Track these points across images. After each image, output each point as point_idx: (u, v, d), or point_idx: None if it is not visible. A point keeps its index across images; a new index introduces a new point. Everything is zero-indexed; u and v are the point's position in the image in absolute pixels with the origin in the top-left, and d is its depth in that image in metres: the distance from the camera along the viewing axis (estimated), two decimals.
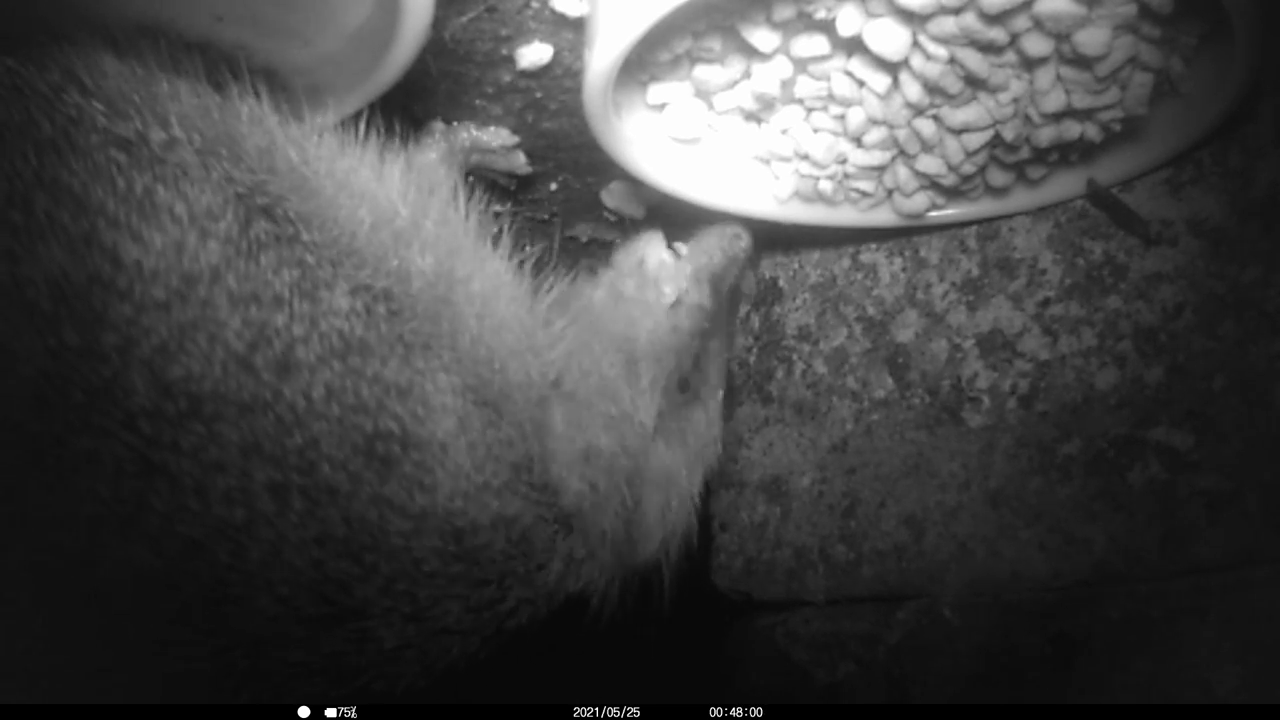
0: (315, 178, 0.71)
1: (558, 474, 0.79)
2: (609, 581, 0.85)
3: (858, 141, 0.79)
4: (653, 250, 0.90)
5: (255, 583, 0.65)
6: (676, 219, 0.93)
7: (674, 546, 0.90)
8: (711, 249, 0.89)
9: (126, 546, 0.63)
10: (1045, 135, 0.76)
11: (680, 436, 0.90)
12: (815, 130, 0.80)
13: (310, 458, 0.65)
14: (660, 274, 0.89)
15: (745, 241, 0.90)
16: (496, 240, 0.81)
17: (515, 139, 0.90)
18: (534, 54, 0.83)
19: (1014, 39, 0.69)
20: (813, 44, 0.73)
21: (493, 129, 0.89)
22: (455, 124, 0.88)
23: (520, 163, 0.91)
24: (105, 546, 0.63)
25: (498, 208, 0.96)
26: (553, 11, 0.80)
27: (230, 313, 0.65)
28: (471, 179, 0.87)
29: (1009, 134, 0.76)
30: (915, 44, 0.70)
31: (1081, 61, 0.70)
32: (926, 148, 0.78)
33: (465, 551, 0.72)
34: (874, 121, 0.77)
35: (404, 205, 0.75)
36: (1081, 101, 0.73)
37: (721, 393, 0.94)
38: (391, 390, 0.68)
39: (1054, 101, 0.73)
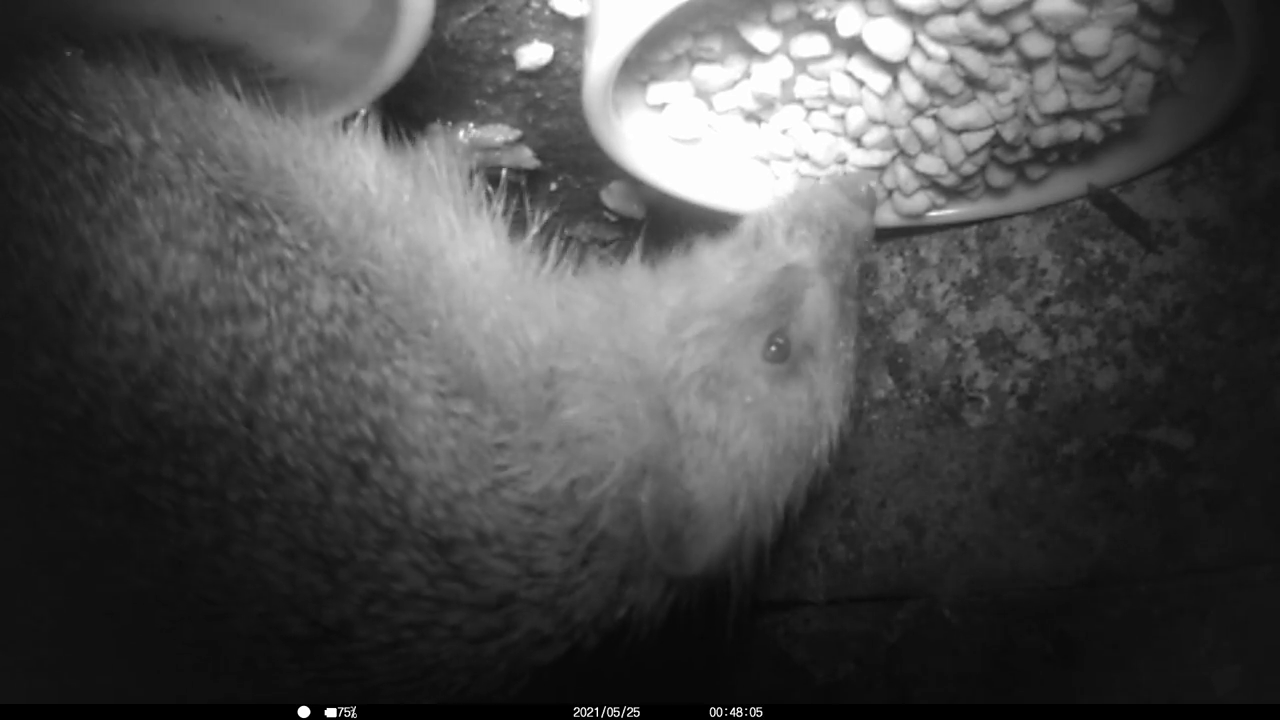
0: (291, 168, 0.70)
1: (546, 470, 0.69)
2: (656, 607, 0.73)
3: (858, 141, 0.79)
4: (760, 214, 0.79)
5: (235, 599, 0.64)
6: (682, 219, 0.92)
7: (747, 557, 0.74)
8: (820, 190, 0.78)
9: (120, 568, 0.63)
10: (1045, 135, 0.76)
11: (767, 419, 0.73)
12: (815, 130, 0.80)
13: (279, 472, 0.64)
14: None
15: (865, 186, 0.78)
16: (486, 216, 0.76)
17: (517, 132, 0.89)
18: (534, 54, 0.83)
19: (1014, 39, 0.69)
20: (813, 44, 0.73)
21: (493, 126, 0.89)
22: (455, 123, 0.88)
23: (526, 156, 0.91)
24: (101, 570, 0.64)
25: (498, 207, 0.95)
26: (553, 11, 0.80)
27: (206, 331, 0.63)
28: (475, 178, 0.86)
29: (1009, 134, 0.76)
30: (915, 44, 0.70)
31: (1081, 61, 0.70)
32: (926, 148, 0.78)
33: (454, 569, 0.67)
34: (874, 121, 0.77)
35: (375, 185, 0.72)
36: (1081, 101, 0.73)
37: (836, 370, 0.76)
38: (367, 394, 0.66)
39: (1054, 101, 0.73)
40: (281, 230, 0.68)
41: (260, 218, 0.68)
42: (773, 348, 0.74)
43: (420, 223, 0.73)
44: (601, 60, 0.69)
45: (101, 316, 0.62)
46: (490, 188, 0.78)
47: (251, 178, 0.69)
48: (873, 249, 0.85)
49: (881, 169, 0.82)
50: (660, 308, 0.75)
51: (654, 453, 0.71)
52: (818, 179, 0.83)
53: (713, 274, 0.76)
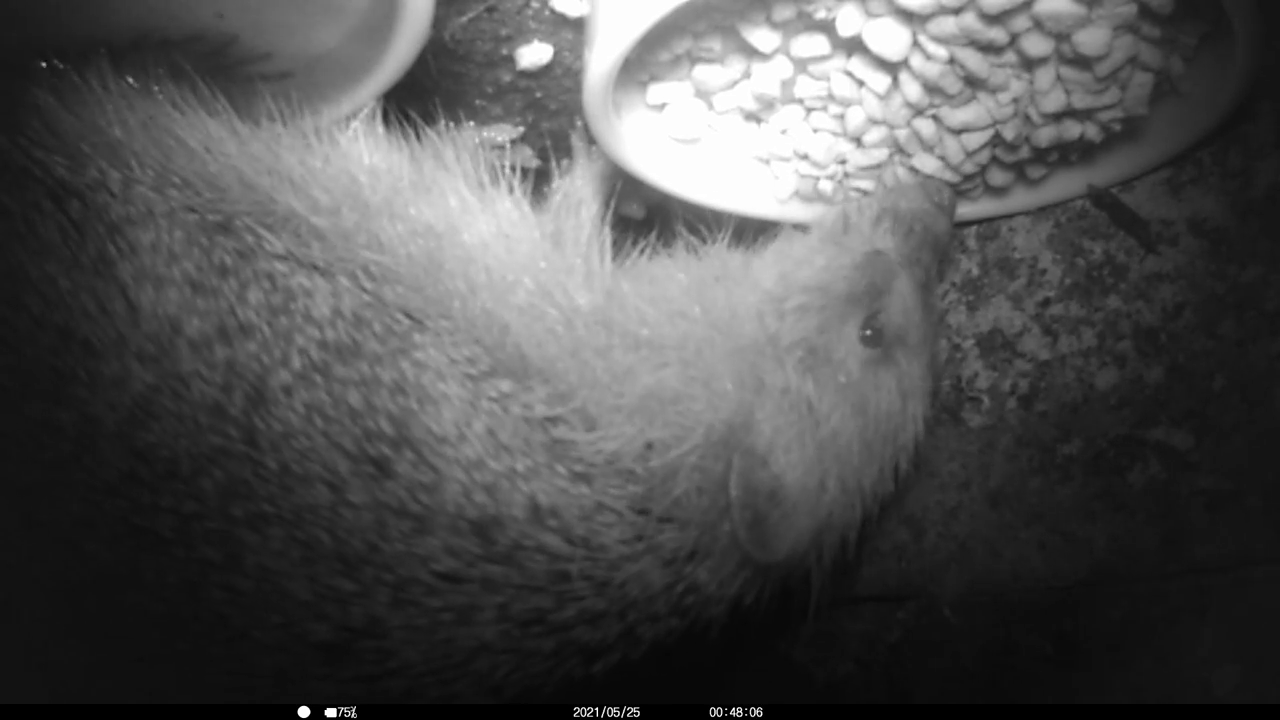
0: (265, 179, 0.69)
1: (616, 437, 0.67)
2: (722, 589, 0.69)
3: (857, 141, 0.79)
4: (846, 204, 0.80)
5: (253, 615, 0.64)
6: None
7: (828, 548, 0.72)
8: (906, 191, 0.79)
9: (134, 597, 0.63)
10: (1045, 135, 0.76)
11: (859, 402, 0.72)
12: (815, 130, 0.80)
13: (286, 482, 0.63)
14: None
15: (948, 194, 0.79)
16: (504, 187, 0.73)
17: (519, 130, 0.89)
18: (534, 54, 0.83)
19: (1014, 39, 0.69)
20: (813, 44, 0.73)
21: (493, 125, 0.89)
22: (455, 123, 0.88)
23: (526, 156, 0.91)
24: (117, 600, 0.64)
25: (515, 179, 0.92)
26: (553, 11, 0.80)
27: (194, 360, 0.63)
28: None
29: (1009, 134, 0.76)
30: (915, 44, 0.70)
31: (1081, 61, 0.70)
32: (926, 148, 0.78)
33: (500, 553, 0.64)
34: (874, 121, 0.77)
35: (365, 175, 0.71)
36: (1081, 101, 0.73)
37: (925, 362, 0.77)
38: (382, 390, 0.65)
39: (1054, 101, 0.73)
40: (268, 244, 0.67)
41: (244, 233, 0.67)
42: (868, 332, 0.74)
43: (424, 202, 0.71)
44: (601, 60, 0.69)
45: (83, 364, 0.62)
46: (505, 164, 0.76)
47: (229, 198, 0.68)
48: (952, 255, 0.87)
49: (880, 168, 0.82)
50: (755, 287, 0.75)
51: (737, 426, 0.69)
52: (817, 178, 0.83)
53: (805, 257, 0.77)
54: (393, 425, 0.64)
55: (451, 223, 0.71)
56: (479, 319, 0.68)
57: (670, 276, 0.76)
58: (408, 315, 0.68)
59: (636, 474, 0.67)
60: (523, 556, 0.65)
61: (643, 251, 0.77)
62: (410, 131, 0.76)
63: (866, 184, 0.84)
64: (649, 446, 0.68)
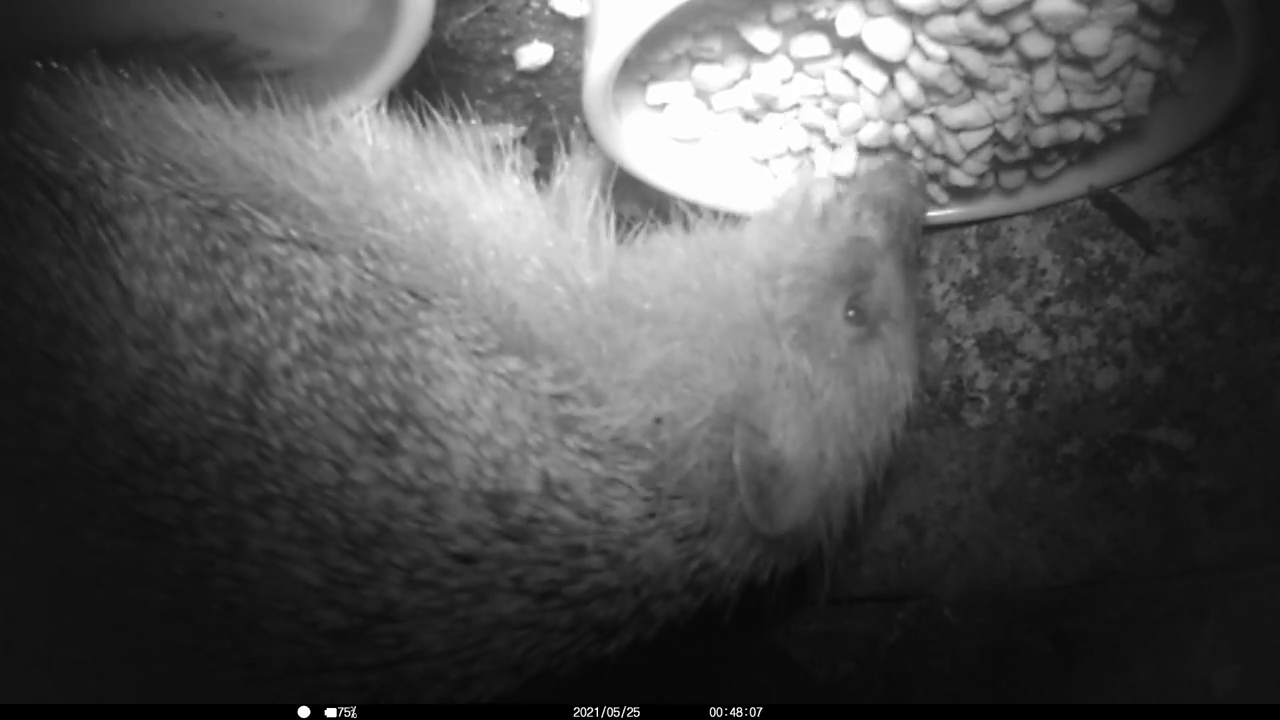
0: (261, 161, 0.68)
1: (624, 413, 0.67)
2: (735, 564, 0.70)
3: (856, 140, 0.79)
4: (822, 189, 0.80)
5: (260, 603, 0.63)
6: None
7: (836, 517, 0.74)
8: (878, 176, 0.80)
9: (140, 589, 0.63)
10: (1045, 135, 0.76)
11: (850, 374, 0.74)
12: (813, 129, 0.80)
13: (291, 461, 0.62)
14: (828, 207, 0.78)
15: (914, 173, 0.80)
16: (509, 168, 0.73)
17: (520, 130, 0.90)
18: (534, 54, 0.83)
19: (1014, 39, 0.69)
20: (813, 44, 0.73)
21: (494, 125, 0.89)
22: (457, 124, 0.88)
23: (526, 156, 0.91)
24: (122, 592, 0.63)
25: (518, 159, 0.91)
26: (553, 11, 0.80)
27: (191, 344, 0.62)
28: None
29: (1008, 133, 0.76)
30: (914, 44, 0.70)
31: (1081, 61, 0.70)
32: (925, 146, 0.78)
33: (515, 527, 0.64)
34: (870, 119, 0.77)
35: (367, 154, 0.70)
36: (1081, 101, 0.73)
37: (910, 334, 0.78)
38: (385, 367, 0.64)
39: (1054, 101, 0.73)
40: (264, 227, 0.66)
41: (239, 217, 0.66)
42: (851, 312, 0.75)
43: (430, 180, 0.71)
44: (601, 60, 0.69)
45: (80, 351, 0.62)
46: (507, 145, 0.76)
47: (224, 182, 0.68)
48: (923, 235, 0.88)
49: None
50: (748, 263, 0.75)
51: (741, 400, 0.70)
52: (817, 170, 0.83)
53: (788, 239, 0.77)
54: (397, 402, 0.64)
55: (458, 201, 0.70)
56: (488, 297, 0.68)
57: (669, 251, 0.76)
58: (412, 293, 0.67)
59: (645, 449, 0.68)
60: (537, 530, 0.65)
61: (638, 232, 0.78)
62: (413, 116, 0.75)
63: None
64: (658, 421, 0.68)
